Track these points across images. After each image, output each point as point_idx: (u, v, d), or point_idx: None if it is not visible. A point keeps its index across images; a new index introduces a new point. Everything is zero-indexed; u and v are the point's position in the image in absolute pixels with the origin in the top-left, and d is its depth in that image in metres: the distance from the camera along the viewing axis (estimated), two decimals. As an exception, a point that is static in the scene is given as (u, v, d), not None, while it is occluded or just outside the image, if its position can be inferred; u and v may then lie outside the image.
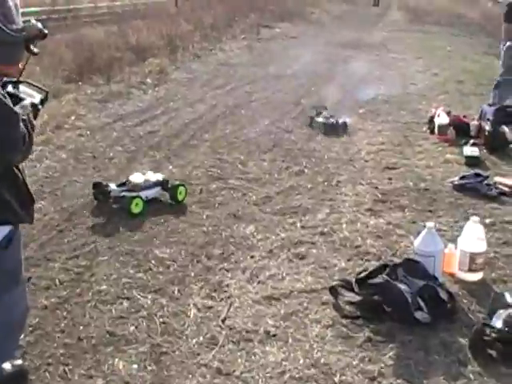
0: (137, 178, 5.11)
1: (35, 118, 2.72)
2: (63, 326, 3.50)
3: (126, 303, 3.72)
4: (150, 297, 3.78)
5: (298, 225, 4.70)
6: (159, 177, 5.21)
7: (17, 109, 2.48)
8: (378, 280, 3.47)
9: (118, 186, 5.10)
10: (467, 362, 3.11)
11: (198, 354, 3.25)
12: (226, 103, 8.34)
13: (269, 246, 4.37)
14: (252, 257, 4.24)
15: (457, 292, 3.69)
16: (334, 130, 6.92)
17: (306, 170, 5.85)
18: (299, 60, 11.37)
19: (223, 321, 3.52)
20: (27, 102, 2.63)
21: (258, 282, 3.92)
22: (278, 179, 5.62)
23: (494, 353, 3.14)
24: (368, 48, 12.91)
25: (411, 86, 9.40)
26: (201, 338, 3.38)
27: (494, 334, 3.12)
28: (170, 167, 5.93)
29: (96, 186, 5.13)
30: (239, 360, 3.20)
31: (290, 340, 3.33)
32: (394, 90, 8.95)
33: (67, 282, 3.95)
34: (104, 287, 3.89)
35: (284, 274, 4.00)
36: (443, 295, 3.41)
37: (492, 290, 3.73)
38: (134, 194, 4.95)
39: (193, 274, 4.03)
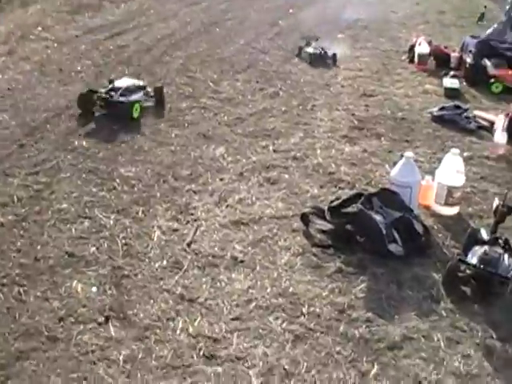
0: (124, 82, 5.04)
1: None
2: (20, 245, 3.33)
3: (87, 223, 3.55)
4: (112, 217, 3.61)
5: (271, 148, 4.51)
6: (139, 82, 5.18)
7: None
8: (351, 209, 3.32)
9: (106, 92, 4.90)
10: (440, 298, 3.00)
11: (161, 279, 3.11)
12: (200, 20, 8.00)
13: (239, 169, 4.20)
14: (221, 179, 4.07)
15: (432, 226, 3.57)
16: (323, 60, 6.56)
17: (280, 93, 5.62)
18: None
19: (188, 244, 3.37)
20: None
21: (227, 206, 3.76)
22: (251, 100, 5.40)
23: (467, 290, 3.04)
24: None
25: (391, 13, 9.08)
26: (164, 262, 3.23)
27: (468, 271, 3.01)
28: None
29: (85, 94, 4.93)
30: (204, 286, 3.06)
31: (258, 267, 3.20)
32: (374, 17, 8.65)
33: (26, 199, 3.76)
34: (64, 206, 3.70)
35: (254, 199, 3.84)
36: (418, 228, 3.27)
37: (468, 225, 3.60)
38: (133, 98, 4.90)
39: (158, 195, 3.85)
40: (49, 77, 5.77)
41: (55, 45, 6.68)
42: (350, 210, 3.32)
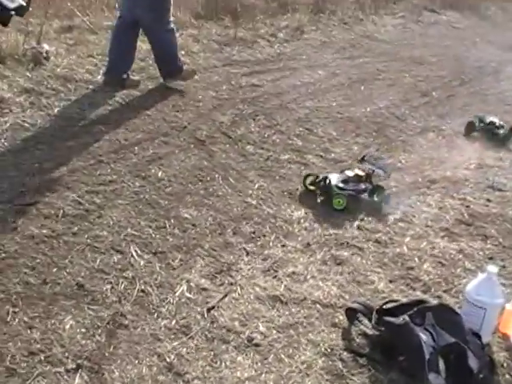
0: None
1: (5, 23, 3.01)
2: (36, 263, 3.09)
3: (115, 257, 3.24)
4: (145, 257, 3.27)
5: (356, 223, 3.98)
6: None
7: None
8: (396, 319, 2.72)
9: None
10: None
11: (159, 340, 2.71)
12: (349, 75, 7.58)
13: (309, 239, 3.72)
14: (284, 245, 3.61)
15: (502, 362, 2.87)
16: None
17: (399, 164, 5.06)
18: (452, 50, 10.33)
19: (209, 310, 2.95)
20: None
21: (274, 277, 3.29)
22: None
23: None
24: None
25: None
26: (173, 322, 2.84)
27: None
28: (252, 125, 5.35)
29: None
30: (200, 362, 2.62)
31: (271, 357, 2.70)
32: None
33: (70, 217, 3.53)
34: (104, 233, 3.42)
35: (308, 276, 3.34)
36: (472, 363, 2.60)
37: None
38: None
39: (207, 246, 3.46)
40: (165, 100, 5.59)
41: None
42: (393, 319, 2.73)
